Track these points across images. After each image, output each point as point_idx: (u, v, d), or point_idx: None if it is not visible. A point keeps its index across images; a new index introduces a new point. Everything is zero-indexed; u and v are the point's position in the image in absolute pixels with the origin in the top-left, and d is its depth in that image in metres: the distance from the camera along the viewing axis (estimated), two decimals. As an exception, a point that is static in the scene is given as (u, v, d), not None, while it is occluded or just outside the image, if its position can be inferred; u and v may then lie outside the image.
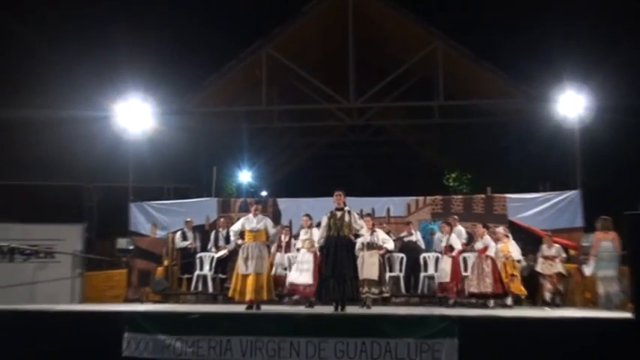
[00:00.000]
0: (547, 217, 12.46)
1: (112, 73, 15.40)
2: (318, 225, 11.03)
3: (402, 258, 11.97)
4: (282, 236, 11.40)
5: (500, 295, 10.44)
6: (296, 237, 12.10)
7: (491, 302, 10.40)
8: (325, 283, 8.51)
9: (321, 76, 16.25)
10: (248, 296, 8.85)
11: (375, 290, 9.72)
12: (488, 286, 10.26)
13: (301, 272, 9.60)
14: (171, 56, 17.94)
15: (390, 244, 10.43)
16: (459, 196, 13.81)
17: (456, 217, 12.30)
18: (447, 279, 10.80)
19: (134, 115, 13.78)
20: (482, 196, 13.23)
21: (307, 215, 10.66)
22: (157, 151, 15.80)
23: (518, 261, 11.01)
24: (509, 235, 11.26)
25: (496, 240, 11.03)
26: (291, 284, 9.88)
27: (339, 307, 8.42)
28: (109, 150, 15.25)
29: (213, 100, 16.52)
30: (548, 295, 10.93)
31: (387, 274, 11.09)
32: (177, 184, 17.68)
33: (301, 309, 9.28)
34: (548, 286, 10.95)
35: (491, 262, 10.52)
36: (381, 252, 10.26)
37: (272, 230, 9.28)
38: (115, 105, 13.77)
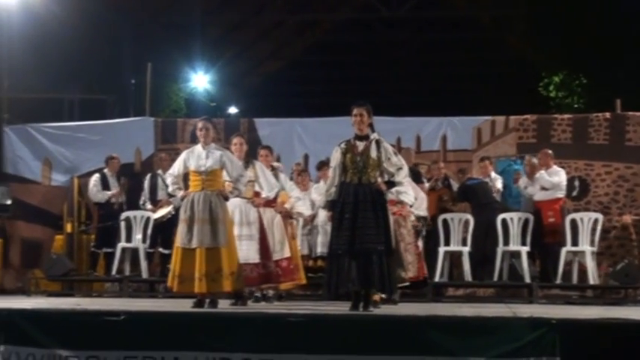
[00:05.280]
0: None
1: None
2: (324, 166, 11.02)
3: (465, 220, 12.14)
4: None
5: None
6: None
7: None
8: (337, 263, 8.51)
9: None
10: (196, 286, 8.83)
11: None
12: None
13: (242, 243, 9.54)
14: None
15: (408, 197, 10.34)
16: (566, 116, 13.73)
17: (549, 151, 12.38)
18: None
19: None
20: (607, 115, 13.17)
21: (267, 148, 10.51)
22: (51, 36, 15.63)
23: None
24: None
25: None
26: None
27: (361, 305, 8.45)
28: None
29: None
30: None
31: (413, 248, 11.08)
32: (85, 93, 17.60)
33: (298, 307, 9.29)
34: None
35: None
36: (396, 210, 10.22)
37: (237, 170, 9.13)
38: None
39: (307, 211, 11.07)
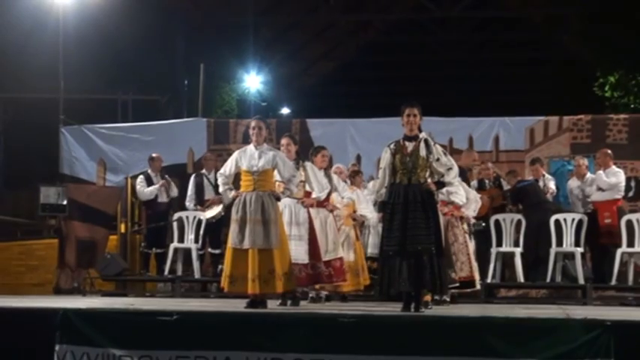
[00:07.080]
0: None
1: None
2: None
3: (518, 221, 12.07)
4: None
5: None
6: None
7: None
8: (388, 264, 8.49)
9: None
10: (249, 287, 8.83)
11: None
12: None
13: (290, 243, 9.47)
14: None
15: (459, 197, 10.25)
16: (622, 116, 13.63)
17: (608, 151, 12.21)
18: None
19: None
20: (664, 115, 13.08)
21: (326, 149, 10.47)
22: (106, 38, 15.80)
23: None
24: None
25: None
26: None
27: (412, 306, 8.42)
28: (23, 36, 15.28)
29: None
30: None
31: (469, 250, 10.98)
32: (139, 93, 17.76)
33: (350, 307, 9.26)
34: None
35: None
36: (447, 211, 10.17)
37: (290, 170, 9.10)
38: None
39: (370, 214, 10.93)
